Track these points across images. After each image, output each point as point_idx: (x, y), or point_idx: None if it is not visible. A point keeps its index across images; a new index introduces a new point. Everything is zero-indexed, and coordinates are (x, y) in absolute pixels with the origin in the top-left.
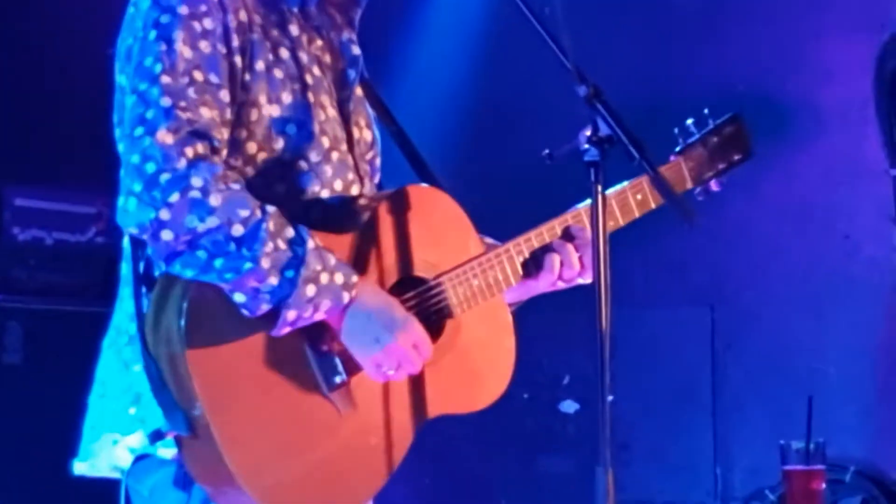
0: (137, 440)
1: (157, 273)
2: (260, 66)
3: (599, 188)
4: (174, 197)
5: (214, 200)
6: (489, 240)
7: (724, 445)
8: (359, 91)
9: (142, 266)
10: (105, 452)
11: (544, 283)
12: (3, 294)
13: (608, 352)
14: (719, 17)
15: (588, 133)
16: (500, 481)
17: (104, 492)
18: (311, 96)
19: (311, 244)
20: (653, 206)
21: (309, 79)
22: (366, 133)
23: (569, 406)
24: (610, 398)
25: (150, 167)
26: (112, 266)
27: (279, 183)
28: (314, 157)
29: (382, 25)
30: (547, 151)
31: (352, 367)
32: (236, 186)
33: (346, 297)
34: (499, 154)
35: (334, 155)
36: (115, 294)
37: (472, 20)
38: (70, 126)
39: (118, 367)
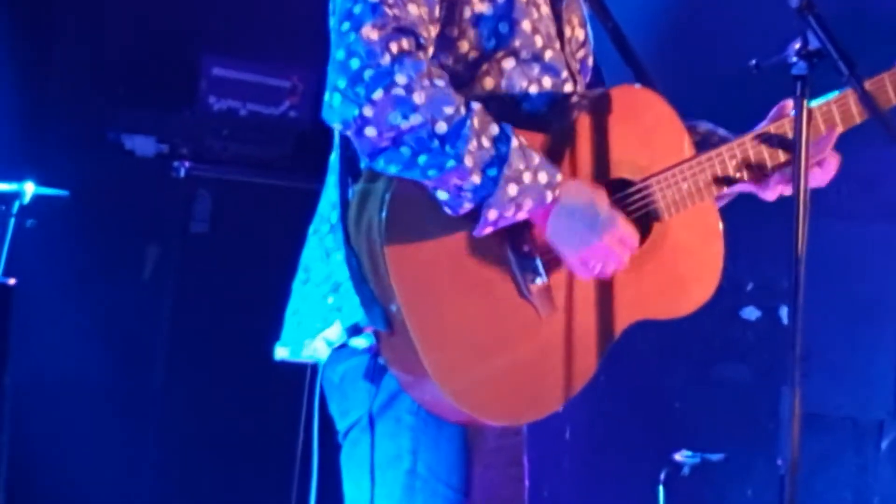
0: (336, 332)
1: (363, 166)
2: None
3: (805, 102)
4: (378, 94)
5: (418, 97)
6: (706, 126)
7: None
8: None
9: (349, 156)
10: (307, 340)
11: (762, 193)
12: (194, 163)
13: (803, 274)
14: None
15: (797, 45)
16: (676, 385)
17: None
18: None
19: (514, 143)
20: (858, 120)
21: None
22: (578, 31)
23: (750, 313)
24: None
25: (355, 63)
26: (303, 141)
27: (489, 79)
28: (525, 54)
29: None
30: (754, 62)
31: (553, 269)
32: (441, 83)
33: (549, 196)
34: (705, 59)
35: (547, 53)
36: (305, 169)
37: None
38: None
39: (320, 254)
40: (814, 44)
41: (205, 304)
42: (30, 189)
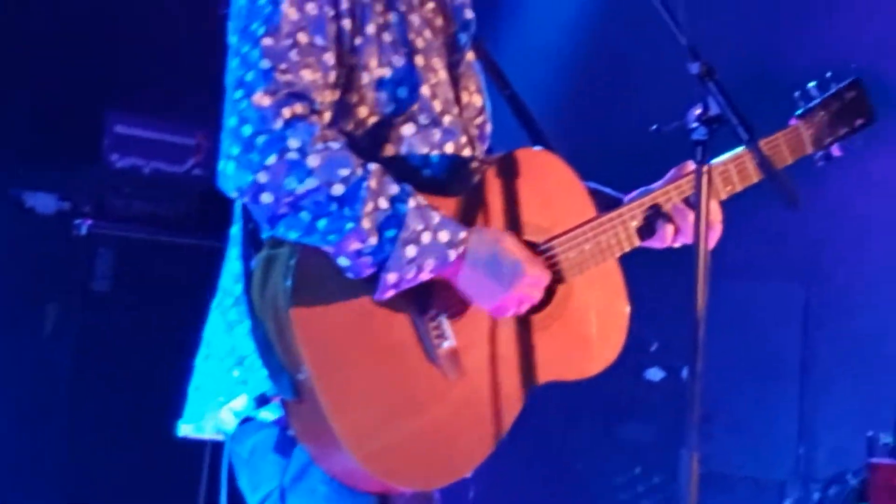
0: (242, 403)
1: (264, 236)
2: (371, 29)
3: (704, 168)
4: (271, 159)
5: (313, 161)
6: (606, 190)
7: (809, 425)
8: (470, 55)
9: (250, 227)
10: (210, 415)
11: (657, 246)
12: (96, 221)
13: (703, 333)
14: None
15: (698, 111)
16: (580, 446)
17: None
18: (421, 59)
19: (412, 202)
20: (755, 180)
21: (420, 42)
22: (475, 98)
23: (654, 374)
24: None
25: (247, 130)
26: (208, 199)
27: (389, 146)
28: (424, 119)
29: None
30: (655, 126)
31: (462, 329)
32: (336, 145)
33: (452, 254)
34: (604, 122)
35: (446, 118)
36: (208, 227)
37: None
38: (175, 57)
39: (223, 328)
40: (714, 109)
41: (106, 364)
42: None
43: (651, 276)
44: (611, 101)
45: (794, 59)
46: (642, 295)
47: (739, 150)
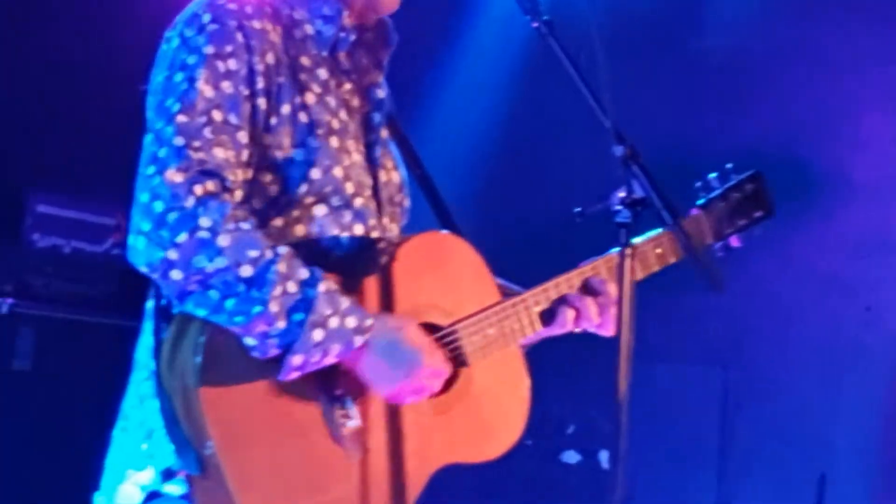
0: (148, 477)
1: (175, 311)
2: (286, 109)
3: (628, 251)
4: (182, 237)
5: (223, 240)
6: (511, 286)
7: None
8: (384, 132)
9: (163, 302)
10: (121, 487)
11: (558, 332)
12: (17, 300)
13: (626, 419)
14: (753, 77)
15: (622, 194)
16: None
17: None
18: (336, 141)
19: (322, 287)
20: (672, 260)
21: (335, 123)
22: (394, 175)
23: (571, 457)
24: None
25: (159, 206)
26: (127, 278)
27: (300, 226)
28: (336, 201)
29: (412, 63)
30: (578, 209)
31: (367, 409)
32: (247, 226)
33: (358, 340)
34: (523, 203)
35: (357, 200)
36: (128, 306)
37: (507, 62)
38: (94, 136)
39: (136, 401)
40: (638, 192)
41: (25, 443)
42: None
43: (569, 357)
44: (534, 181)
45: (714, 143)
46: (560, 375)
47: (656, 231)
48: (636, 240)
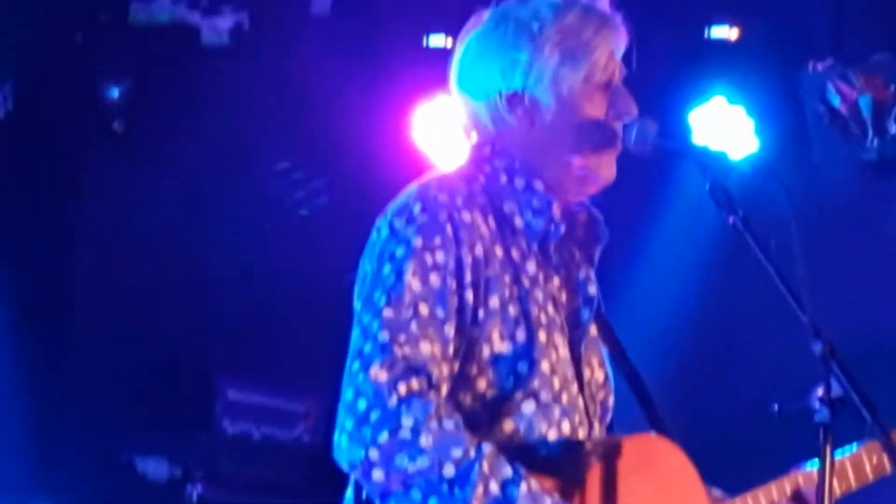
0: None
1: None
2: (494, 302)
3: (828, 451)
4: (383, 437)
5: (425, 440)
6: (717, 491)
7: None
8: (593, 330)
9: (364, 497)
10: None
11: None
12: (207, 485)
13: None
14: None
15: (820, 392)
16: None
17: None
18: (543, 335)
19: (524, 487)
20: (889, 471)
21: (543, 318)
22: (598, 373)
23: None
24: None
25: (362, 404)
26: (317, 465)
27: (508, 421)
28: (544, 396)
29: (612, 254)
30: (777, 406)
31: None
32: (450, 424)
33: None
34: (719, 398)
35: (564, 396)
36: (318, 493)
37: (700, 251)
38: (284, 322)
39: None
40: (837, 391)
41: None
42: None
43: None
44: (729, 375)
45: None
46: None
47: (856, 446)
48: (850, 448)
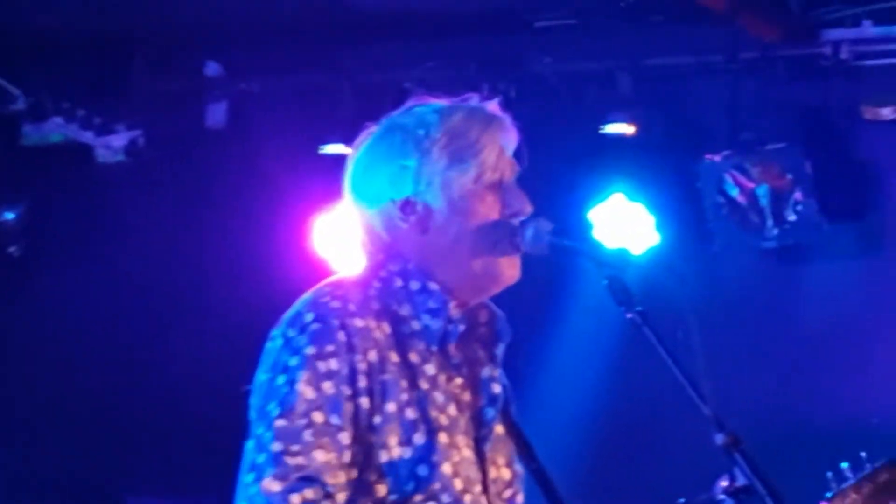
0: None
1: None
2: (391, 407)
3: None
4: None
5: None
6: None
7: None
8: (500, 429)
9: None
10: None
11: None
12: None
13: None
14: (853, 345)
15: (724, 483)
16: None
17: None
18: (444, 437)
19: None
20: None
21: (444, 419)
22: (504, 471)
23: None
24: None
25: None
26: None
27: None
28: (446, 498)
29: (515, 352)
30: (682, 501)
31: None
32: None
33: None
34: (627, 493)
35: (467, 497)
36: None
37: (603, 349)
38: (191, 436)
39: None
40: (741, 480)
41: None
42: None
43: None
44: (635, 471)
45: (816, 415)
46: None
47: None
48: None
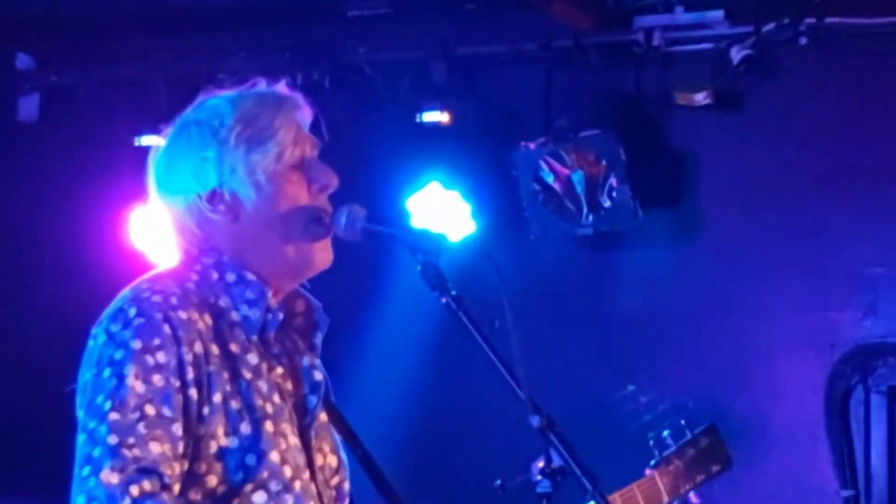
0: None
1: None
2: (217, 398)
3: None
4: None
5: None
6: None
7: None
8: (323, 417)
9: None
10: None
11: None
12: None
13: None
14: (667, 331)
15: (541, 464)
16: None
17: None
18: (270, 426)
19: None
20: None
21: (269, 408)
22: (330, 458)
23: None
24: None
25: None
26: None
27: None
28: (274, 486)
29: (333, 339)
30: (499, 482)
31: None
32: None
33: None
34: (447, 476)
35: (296, 484)
36: None
37: (420, 335)
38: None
39: None
40: (557, 461)
41: None
42: None
43: None
44: (455, 456)
45: (632, 401)
46: None
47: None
48: None
